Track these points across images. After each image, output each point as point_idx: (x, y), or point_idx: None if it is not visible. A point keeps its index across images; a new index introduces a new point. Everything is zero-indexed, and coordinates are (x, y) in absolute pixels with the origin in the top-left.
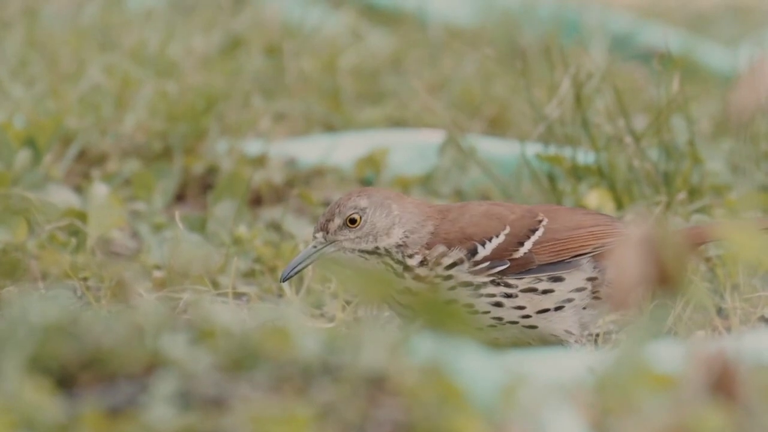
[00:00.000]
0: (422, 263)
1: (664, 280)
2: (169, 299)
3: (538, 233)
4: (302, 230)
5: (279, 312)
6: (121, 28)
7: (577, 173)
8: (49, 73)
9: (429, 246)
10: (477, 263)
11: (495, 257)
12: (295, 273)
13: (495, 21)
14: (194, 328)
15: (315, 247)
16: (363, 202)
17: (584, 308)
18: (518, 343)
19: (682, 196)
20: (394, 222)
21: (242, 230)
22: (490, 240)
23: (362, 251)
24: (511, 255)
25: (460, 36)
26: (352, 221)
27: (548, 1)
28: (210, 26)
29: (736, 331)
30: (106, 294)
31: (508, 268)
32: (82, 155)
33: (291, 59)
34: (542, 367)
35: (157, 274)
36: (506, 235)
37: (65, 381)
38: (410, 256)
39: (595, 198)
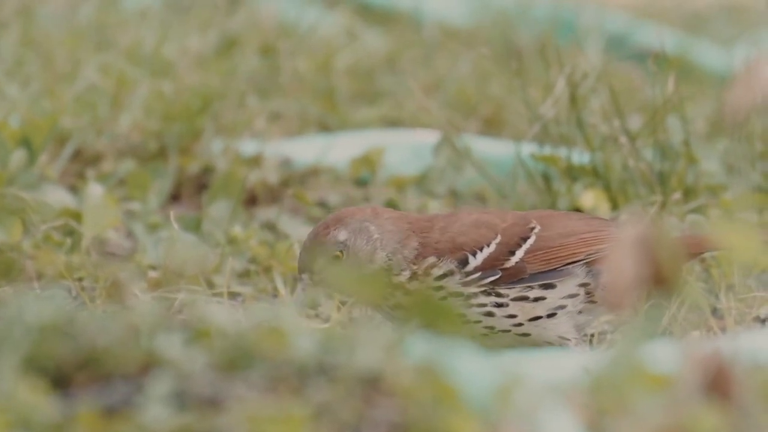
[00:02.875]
0: (412, 278)
1: (660, 281)
2: (165, 299)
3: (530, 241)
4: (297, 230)
5: (274, 312)
6: (117, 27)
7: (573, 173)
8: (45, 73)
9: (419, 258)
10: (468, 274)
11: (486, 267)
12: None
13: (490, 21)
14: (189, 328)
15: (303, 289)
16: (342, 235)
17: (579, 312)
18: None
19: (677, 196)
20: (376, 246)
21: (237, 230)
22: (481, 250)
23: None
24: (502, 264)
25: (455, 36)
26: (336, 258)
27: (544, 1)
28: (205, 26)
29: (731, 331)
30: (101, 294)
31: (499, 278)
32: (77, 155)
33: (286, 59)
34: (538, 367)
35: (152, 274)
36: (497, 244)
37: (60, 381)
38: (397, 275)
39: (591, 198)
